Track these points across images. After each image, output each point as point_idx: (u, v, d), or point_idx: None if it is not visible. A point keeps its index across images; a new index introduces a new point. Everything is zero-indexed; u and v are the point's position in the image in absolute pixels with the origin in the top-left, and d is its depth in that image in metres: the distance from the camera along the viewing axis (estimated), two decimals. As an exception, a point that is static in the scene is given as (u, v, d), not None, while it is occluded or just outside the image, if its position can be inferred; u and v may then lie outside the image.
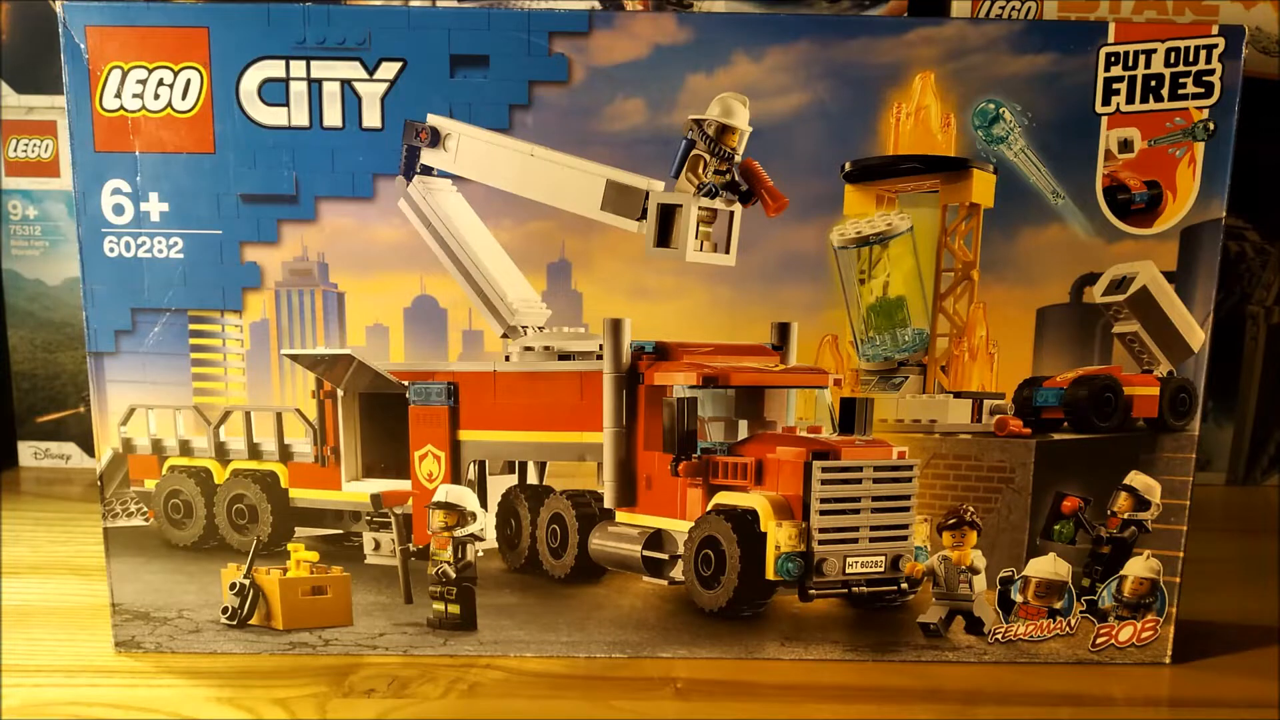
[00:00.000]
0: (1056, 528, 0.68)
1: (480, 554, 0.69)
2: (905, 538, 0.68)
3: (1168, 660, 0.69)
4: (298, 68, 0.62)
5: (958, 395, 0.68)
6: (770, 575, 0.66)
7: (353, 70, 0.62)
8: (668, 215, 0.65)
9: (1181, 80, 0.63)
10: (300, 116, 0.63)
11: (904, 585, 0.68)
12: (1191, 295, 0.65)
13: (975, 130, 0.64)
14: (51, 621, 0.73)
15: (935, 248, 0.66)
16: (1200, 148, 0.64)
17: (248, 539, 0.70)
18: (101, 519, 0.68)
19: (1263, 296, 1.04)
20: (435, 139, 0.64)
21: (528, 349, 0.69)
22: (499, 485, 0.74)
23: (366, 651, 0.68)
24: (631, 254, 0.65)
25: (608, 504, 0.71)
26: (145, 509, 0.71)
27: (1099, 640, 0.69)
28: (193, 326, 0.65)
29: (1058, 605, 0.69)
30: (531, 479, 0.75)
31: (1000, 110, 0.63)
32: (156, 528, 0.71)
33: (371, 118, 0.63)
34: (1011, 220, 0.65)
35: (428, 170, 0.64)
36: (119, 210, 0.64)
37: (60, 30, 0.61)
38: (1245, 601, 0.78)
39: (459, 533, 0.68)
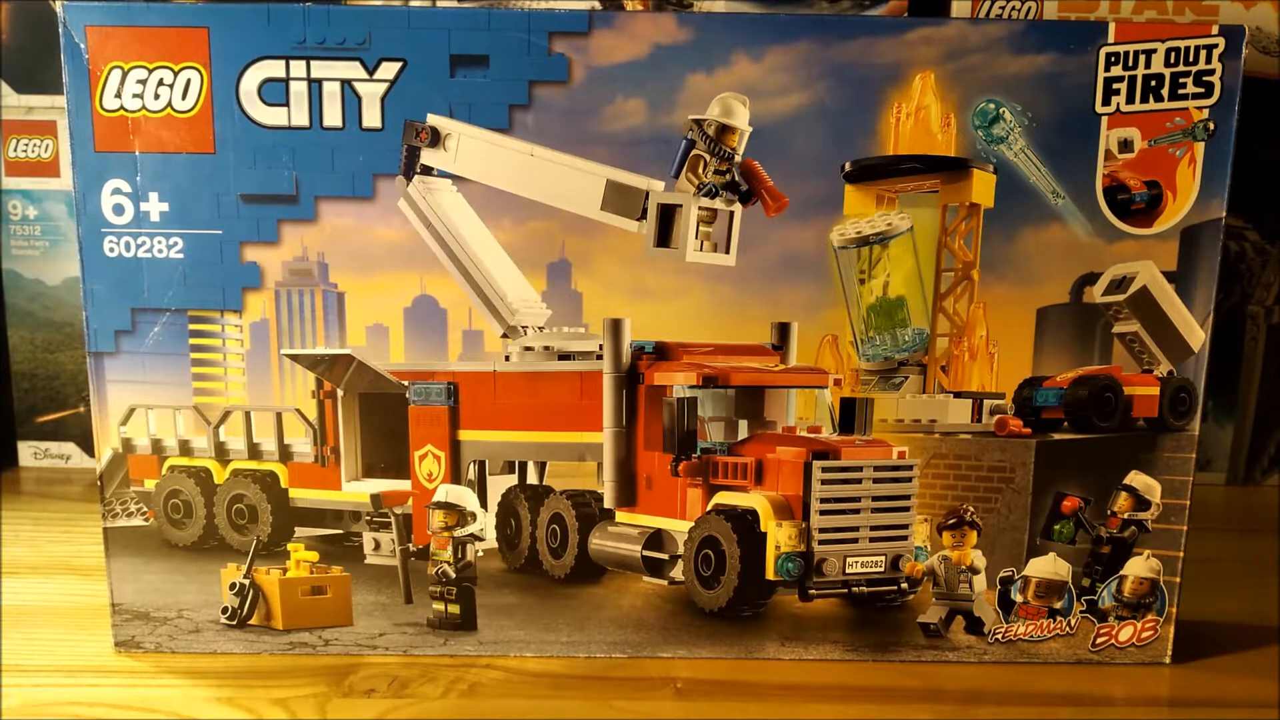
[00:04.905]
0: (1056, 528, 0.68)
1: (480, 554, 0.69)
2: (905, 538, 0.68)
3: (1168, 660, 0.69)
4: (298, 68, 0.62)
5: (958, 395, 0.68)
6: (770, 575, 0.66)
7: (353, 70, 0.62)
8: (668, 215, 0.65)
9: (1181, 80, 0.63)
10: (300, 116, 0.63)
11: (904, 585, 0.68)
12: (1191, 295, 0.65)
13: (975, 130, 0.64)
14: (51, 621, 0.73)
15: (935, 248, 0.66)
16: (1200, 148, 0.64)
17: (248, 539, 0.70)
18: (101, 519, 0.68)
19: (1263, 296, 1.03)
20: (435, 139, 0.64)
21: (528, 349, 0.69)
22: (499, 485, 0.74)
23: (366, 651, 0.68)
24: (631, 254, 0.65)
25: (608, 504, 0.71)
26: (145, 509, 0.71)
27: (1099, 640, 0.69)
28: (193, 326, 0.65)
29: (1058, 605, 0.69)
30: (531, 479, 0.75)
31: (1000, 110, 0.63)
32: (156, 528, 0.71)
33: (371, 118, 0.63)
34: (1011, 220, 0.65)
35: (428, 170, 0.64)
36: (119, 210, 0.64)
37: (60, 30, 0.61)
38: (1245, 601, 0.78)
39: (459, 533, 0.68)
